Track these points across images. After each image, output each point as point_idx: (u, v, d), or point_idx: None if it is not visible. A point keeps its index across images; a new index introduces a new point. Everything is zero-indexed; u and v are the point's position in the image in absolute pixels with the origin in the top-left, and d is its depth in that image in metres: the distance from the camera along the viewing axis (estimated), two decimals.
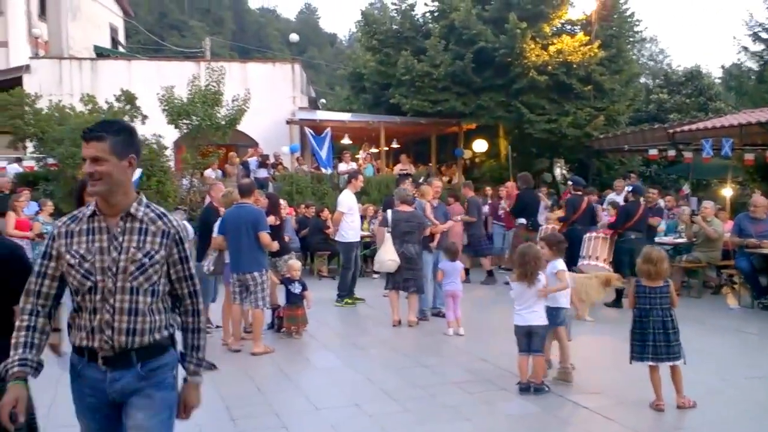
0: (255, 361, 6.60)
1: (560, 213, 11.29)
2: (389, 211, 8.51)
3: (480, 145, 18.78)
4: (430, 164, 18.76)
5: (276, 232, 8.03)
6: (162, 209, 2.62)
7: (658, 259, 5.08)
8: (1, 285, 3.06)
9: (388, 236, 8.22)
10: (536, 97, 17.15)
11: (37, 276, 2.54)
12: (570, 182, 11.26)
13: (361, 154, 18.20)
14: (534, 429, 4.85)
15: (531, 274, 5.39)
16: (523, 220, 10.69)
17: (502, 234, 12.89)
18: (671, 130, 14.49)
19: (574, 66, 16.97)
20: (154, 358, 2.56)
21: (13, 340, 2.48)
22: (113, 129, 2.54)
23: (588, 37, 17.45)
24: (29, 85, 17.00)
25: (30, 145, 14.82)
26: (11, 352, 2.46)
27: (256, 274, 6.78)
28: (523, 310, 5.44)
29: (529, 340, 5.42)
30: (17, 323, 2.51)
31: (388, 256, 8.09)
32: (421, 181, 12.28)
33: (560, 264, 5.79)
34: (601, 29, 18.06)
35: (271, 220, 7.94)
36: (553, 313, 5.65)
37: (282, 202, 9.25)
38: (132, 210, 2.54)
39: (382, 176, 16.51)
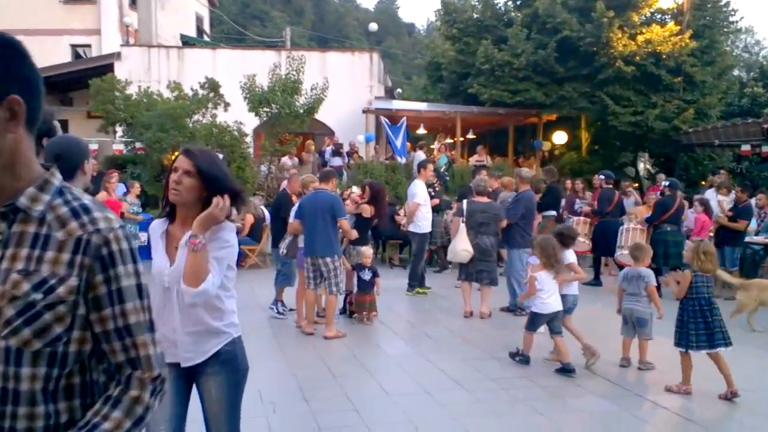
0: (327, 344, 6.68)
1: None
2: (464, 202, 8.40)
3: (560, 137, 18.34)
4: (479, 149, 18.05)
5: (366, 222, 8.07)
6: (89, 200, 1.40)
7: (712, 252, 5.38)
8: None
9: (462, 226, 8.12)
10: (622, 88, 16.61)
11: None
12: (601, 176, 11.15)
13: (435, 144, 18.10)
14: (610, 427, 4.67)
15: (555, 262, 5.85)
16: (553, 213, 10.47)
17: None
18: (766, 125, 13.71)
19: (664, 57, 16.30)
20: None
21: None
22: None
23: (679, 27, 16.71)
24: (120, 71, 17.79)
25: (119, 130, 15.49)
26: None
27: (328, 259, 6.83)
28: (548, 297, 5.85)
29: (551, 323, 5.91)
30: None
31: (461, 246, 8.00)
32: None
33: (571, 255, 6.27)
34: (693, 19, 17.26)
35: (365, 210, 7.95)
36: (562, 299, 6.00)
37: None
38: (22, 202, 1.32)
39: (456, 167, 16.37)
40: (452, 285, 9.34)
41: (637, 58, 16.23)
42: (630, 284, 6.01)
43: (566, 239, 6.27)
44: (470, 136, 19.56)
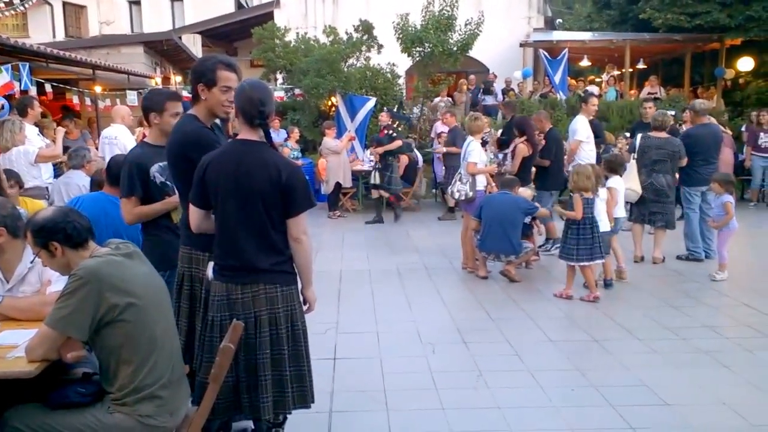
0: (485, 288, 6.48)
1: None
2: (638, 137, 7.67)
3: (745, 64, 16.25)
4: (651, 80, 16.30)
5: (526, 163, 7.63)
6: None
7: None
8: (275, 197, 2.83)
9: (632, 164, 7.45)
10: None
11: None
12: None
13: (604, 77, 16.84)
14: None
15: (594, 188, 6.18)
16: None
17: (762, 167, 11.27)
18: None
19: None
20: None
21: None
22: None
23: None
24: (279, 19, 18.21)
25: (280, 77, 15.96)
26: None
27: None
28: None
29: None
30: None
31: (628, 185, 7.33)
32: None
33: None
34: None
35: (522, 150, 7.51)
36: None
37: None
38: None
39: (625, 101, 15.10)
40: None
41: None
42: None
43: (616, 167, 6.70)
44: (640, 66, 17.93)
